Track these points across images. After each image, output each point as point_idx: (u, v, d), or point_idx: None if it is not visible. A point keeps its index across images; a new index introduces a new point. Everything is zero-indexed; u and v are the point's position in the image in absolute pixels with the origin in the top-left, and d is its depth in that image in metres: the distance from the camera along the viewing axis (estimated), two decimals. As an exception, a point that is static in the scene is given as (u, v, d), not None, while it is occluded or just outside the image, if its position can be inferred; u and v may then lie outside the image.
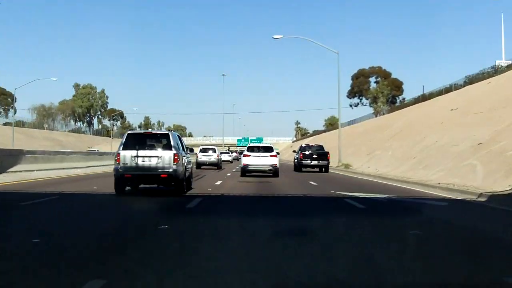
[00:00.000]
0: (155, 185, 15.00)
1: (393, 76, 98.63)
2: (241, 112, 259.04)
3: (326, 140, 68.66)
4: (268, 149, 26.34)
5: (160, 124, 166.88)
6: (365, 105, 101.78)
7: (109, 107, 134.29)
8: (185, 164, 14.75)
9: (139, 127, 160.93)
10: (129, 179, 14.02)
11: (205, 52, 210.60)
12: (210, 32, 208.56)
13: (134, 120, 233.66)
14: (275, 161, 25.38)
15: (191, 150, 21.25)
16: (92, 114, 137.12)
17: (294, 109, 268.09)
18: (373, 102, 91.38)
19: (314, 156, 33.00)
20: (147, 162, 13.81)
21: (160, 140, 14.45)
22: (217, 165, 37.58)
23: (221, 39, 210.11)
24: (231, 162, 57.83)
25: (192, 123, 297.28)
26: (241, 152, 38.78)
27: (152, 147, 14.28)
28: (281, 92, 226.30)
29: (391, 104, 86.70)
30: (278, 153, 26.75)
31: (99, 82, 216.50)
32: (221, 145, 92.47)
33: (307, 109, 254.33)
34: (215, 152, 38.01)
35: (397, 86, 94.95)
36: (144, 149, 14.02)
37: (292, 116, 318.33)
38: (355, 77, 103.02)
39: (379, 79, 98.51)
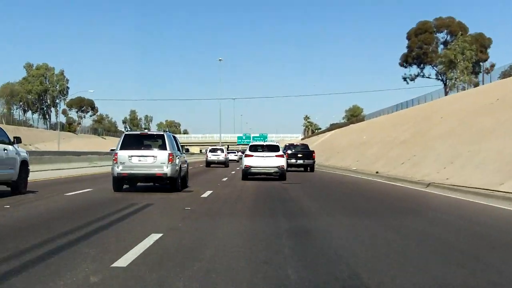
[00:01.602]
0: (151, 183, 15.72)
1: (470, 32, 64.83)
2: (241, 105, 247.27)
3: (347, 135, 59.72)
4: (274, 148, 22.91)
5: (149, 119, 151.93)
6: (429, 77, 71.96)
7: (73, 93, 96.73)
8: (180, 163, 15.52)
9: (124, 122, 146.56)
10: (126, 177, 14.77)
11: (201, 38, 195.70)
12: (208, 16, 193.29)
13: (113, 112, 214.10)
14: (281, 162, 21.90)
15: (187, 150, 21.95)
16: (49, 102, 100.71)
17: (303, 102, 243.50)
18: (446, 71, 60.92)
19: (299, 155, 32.68)
20: (143, 162, 14.61)
21: (155, 140, 15.30)
22: (225, 163, 42.36)
23: (220, 22, 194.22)
24: (237, 161, 59.21)
25: (188, 119, 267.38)
26: (243, 152, 34.92)
27: (148, 147, 15.12)
28: (287, 83, 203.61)
29: (474, 75, 59.08)
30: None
31: (69, 68, 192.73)
32: (218, 143, 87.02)
33: (319, 100, 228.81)
34: (223, 152, 43.55)
35: (483, 47, 64.60)
36: (140, 149, 14.90)
37: (301, 110, 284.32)
38: (414, 34, 70.24)
39: (449, 38, 67.10)
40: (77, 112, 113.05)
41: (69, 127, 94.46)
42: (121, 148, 14.73)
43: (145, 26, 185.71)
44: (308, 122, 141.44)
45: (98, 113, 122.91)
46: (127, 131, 16.20)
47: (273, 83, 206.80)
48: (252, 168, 21.73)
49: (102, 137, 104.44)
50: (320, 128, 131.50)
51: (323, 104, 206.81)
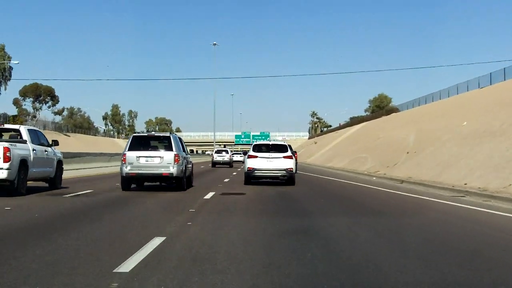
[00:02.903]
0: (158, 183, 16.53)
1: None
2: (240, 102, 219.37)
3: (403, 127, 42.60)
4: (281, 148, 19.87)
5: (133, 115, 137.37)
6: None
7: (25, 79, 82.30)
8: (185, 164, 16.29)
9: (104, 118, 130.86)
10: (134, 177, 15.59)
11: (195, 25, 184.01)
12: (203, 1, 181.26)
13: (94, 107, 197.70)
14: (290, 163, 19.19)
15: (192, 151, 22.93)
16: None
17: (308, 98, 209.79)
18: None
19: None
20: (150, 162, 15.40)
21: (162, 142, 16.09)
22: (229, 163, 45.94)
23: (215, 8, 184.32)
24: (243, 162, 60.13)
25: (180, 116, 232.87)
26: (245, 153, 34.09)
27: (155, 149, 15.91)
28: (290, 76, 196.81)
29: None
30: (294, 153, 20.62)
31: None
32: (211, 143, 77.88)
33: (325, 95, 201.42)
34: (228, 153, 47.68)
35: None
36: (147, 150, 15.68)
37: (306, 106, 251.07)
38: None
39: None
40: (33, 102, 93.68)
41: (13, 120, 69.97)
42: (129, 149, 15.53)
43: (131, 12, 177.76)
44: (316, 118, 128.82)
45: (69, 106, 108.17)
46: (134, 133, 16.97)
47: (275, 77, 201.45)
48: (256, 171, 19.03)
49: (65, 134, 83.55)
50: (330, 126, 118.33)
51: (330, 100, 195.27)
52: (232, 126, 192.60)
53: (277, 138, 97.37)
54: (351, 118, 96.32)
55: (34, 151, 14.11)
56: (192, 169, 18.69)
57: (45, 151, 15.02)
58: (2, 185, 12.89)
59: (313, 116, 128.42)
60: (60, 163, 16.12)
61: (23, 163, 13.32)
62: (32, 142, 14.26)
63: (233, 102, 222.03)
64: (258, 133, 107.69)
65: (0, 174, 12.56)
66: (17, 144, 13.45)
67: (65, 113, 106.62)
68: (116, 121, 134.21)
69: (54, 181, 15.60)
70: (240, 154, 69.46)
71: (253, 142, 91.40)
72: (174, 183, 15.90)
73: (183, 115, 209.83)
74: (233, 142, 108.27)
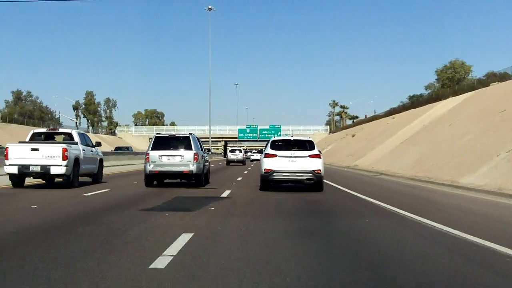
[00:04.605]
0: (178, 180, 17.59)
1: None
2: (244, 93, 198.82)
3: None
4: (306, 144, 16.47)
5: (111, 104, 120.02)
6: None
7: None
8: (203, 162, 17.40)
9: (75, 108, 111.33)
10: (156, 174, 16.72)
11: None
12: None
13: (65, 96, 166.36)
14: (318, 164, 15.71)
15: (208, 150, 24.20)
16: None
17: (327, 86, 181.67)
18: None
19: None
20: (171, 161, 16.57)
21: (182, 141, 17.15)
22: (243, 162, 50.35)
23: None
24: (258, 160, 60.59)
25: (174, 109, 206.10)
26: (260, 151, 30.15)
27: (175, 148, 17.02)
28: (302, 63, 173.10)
29: None
30: (320, 152, 16.39)
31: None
32: (207, 139, 69.46)
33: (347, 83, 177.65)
34: (241, 152, 51.56)
35: None
36: (169, 149, 16.79)
37: (324, 95, 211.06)
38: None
39: None
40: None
41: None
42: (152, 149, 16.74)
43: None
44: (340, 107, 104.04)
45: (15, 89, 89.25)
46: (157, 134, 18.16)
47: (285, 65, 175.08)
48: (275, 174, 15.67)
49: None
50: (356, 117, 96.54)
51: (353, 90, 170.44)
52: (236, 120, 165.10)
53: (289, 132, 78.44)
54: (411, 96, 75.85)
55: (84, 151, 16.94)
56: (209, 167, 19.75)
57: (91, 150, 17.93)
58: (61, 179, 15.87)
59: (334, 106, 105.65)
60: (101, 161, 19.01)
61: (76, 161, 16.13)
62: (81, 143, 17.11)
63: (237, 92, 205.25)
64: (267, 127, 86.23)
65: (60, 170, 15.35)
66: (72, 145, 16.23)
67: (11, 98, 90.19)
68: (90, 111, 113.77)
69: (97, 176, 18.44)
70: (257, 153, 66.35)
71: (261, 137, 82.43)
72: (193, 180, 16.98)
73: (178, 107, 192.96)
74: (236, 138, 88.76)
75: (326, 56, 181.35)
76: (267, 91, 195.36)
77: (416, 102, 61.89)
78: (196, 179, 16.92)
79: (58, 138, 18.09)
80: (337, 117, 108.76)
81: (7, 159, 15.37)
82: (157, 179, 17.21)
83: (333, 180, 21.94)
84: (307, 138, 17.33)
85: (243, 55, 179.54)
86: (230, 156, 50.86)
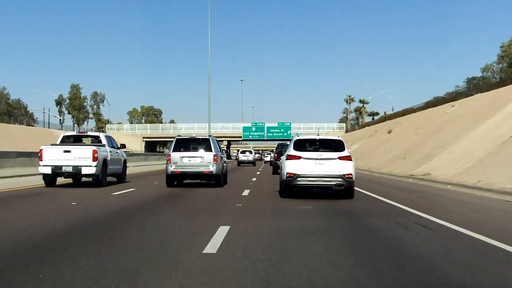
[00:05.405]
0: (198, 180, 18.61)
1: None
2: (249, 88, 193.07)
3: None
4: (335, 145, 14.61)
5: (99, 99, 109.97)
6: None
7: None
8: (222, 163, 18.38)
9: (59, 103, 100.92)
10: (178, 175, 17.72)
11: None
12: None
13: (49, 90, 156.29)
14: (349, 168, 13.87)
15: (227, 152, 25.47)
16: None
17: (342, 76, 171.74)
18: None
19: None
20: (192, 162, 17.56)
21: (202, 143, 18.11)
22: (253, 163, 53.76)
23: None
24: (270, 162, 59.69)
25: (173, 107, 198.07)
26: (280, 153, 27.75)
27: (196, 149, 18.00)
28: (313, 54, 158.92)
29: None
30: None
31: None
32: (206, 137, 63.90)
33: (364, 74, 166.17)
34: (251, 153, 55.34)
35: None
36: (189, 151, 17.79)
37: (338, 91, 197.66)
38: None
39: None
40: None
41: None
42: (174, 151, 17.67)
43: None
44: (360, 101, 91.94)
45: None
46: (178, 136, 19.16)
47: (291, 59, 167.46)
48: (299, 179, 13.72)
49: None
50: (376, 113, 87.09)
51: (370, 83, 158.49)
52: (241, 119, 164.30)
53: (300, 131, 71.38)
54: (467, 81, 65.07)
55: (110, 153, 18.40)
56: (227, 168, 20.79)
57: (116, 152, 19.44)
58: (90, 178, 17.23)
59: (349, 102, 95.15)
60: (125, 162, 20.50)
61: (104, 162, 17.47)
62: (108, 145, 18.61)
63: (242, 89, 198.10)
64: (275, 124, 78.11)
65: (90, 170, 16.67)
66: (100, 147, 17.56)
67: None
68: (76, 107, 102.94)
69: (121, 176, 19.90)
70: (270, 154, 60.69)
71: (268, 136, 78.08)
72: (213, 180, 17.99)
73: (178, 105, 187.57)
74: (241, 137, 79.82)
75: (338, 49, 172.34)
76: (274, 89, 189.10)
77: (480, 85, 49.55)
78: (216, 179, 17.90)
79: (86, 140, 19.40)
80: (352, 114, 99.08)
81: (41, 160, 16.62)
82: (178, 179, 18.14)
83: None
84: (336, 137, 15.33)
85: (247, 52, 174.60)
86: (241, 157, 54.54)
